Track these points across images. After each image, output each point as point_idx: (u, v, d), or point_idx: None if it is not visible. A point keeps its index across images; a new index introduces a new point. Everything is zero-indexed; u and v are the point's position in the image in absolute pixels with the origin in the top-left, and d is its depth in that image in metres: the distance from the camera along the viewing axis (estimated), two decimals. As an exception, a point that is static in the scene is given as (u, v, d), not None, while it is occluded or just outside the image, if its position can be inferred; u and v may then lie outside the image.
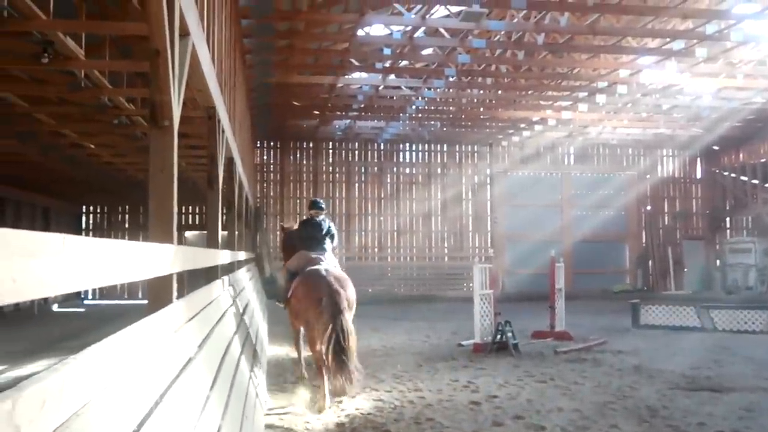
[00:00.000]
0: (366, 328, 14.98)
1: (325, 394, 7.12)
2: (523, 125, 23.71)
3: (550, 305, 13.44)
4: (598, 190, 27.48)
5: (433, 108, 21.56)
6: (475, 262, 12.55)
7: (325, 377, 7.07)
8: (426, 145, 26.94)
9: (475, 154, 27.34)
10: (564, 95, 19.71)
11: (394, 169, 26.87)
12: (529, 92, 19.58)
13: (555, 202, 27.41)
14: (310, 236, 8.10)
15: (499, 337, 11.56)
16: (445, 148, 27.14)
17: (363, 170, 26.64)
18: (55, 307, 21.30)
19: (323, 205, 8.62)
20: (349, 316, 7.17)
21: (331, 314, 6.97)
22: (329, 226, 8.29)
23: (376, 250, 26.39)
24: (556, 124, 23.04)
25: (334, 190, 26.38)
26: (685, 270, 27.35)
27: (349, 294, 7.37)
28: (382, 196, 26.59)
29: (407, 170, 26.97)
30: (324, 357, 6.93)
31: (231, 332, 5.66)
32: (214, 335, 4.35)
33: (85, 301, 23.74)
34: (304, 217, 8.77)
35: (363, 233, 26.32)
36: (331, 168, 26.44)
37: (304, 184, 26.16)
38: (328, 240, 8.15)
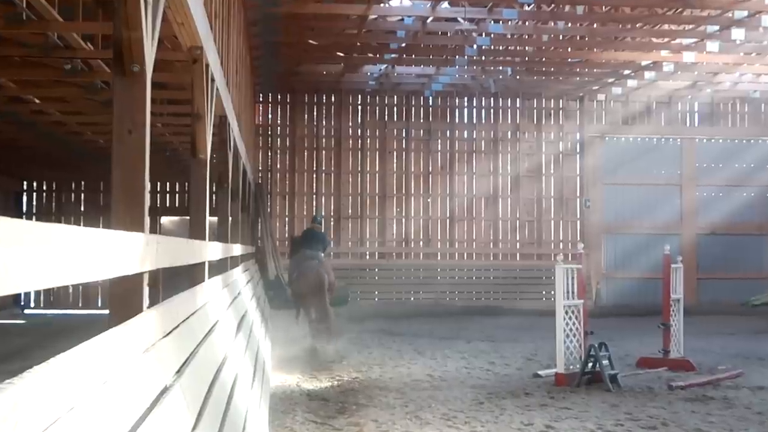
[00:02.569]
0: (408, 350, 15.32)
1: (317, 337, 14.58)
2: (627, 71, 23.52)
3: (663, 322, 13.45)
4: (734, 162, 27.23)
5: (501, 48, 21.53)
6: (559, 261, 12.56)
7: (317, 329, 14.76)
8: (491, 100, 26.92)
9: (560, 111, 27.18)
10: (686, 30, 19.39)
11: (447, 132, 26.84)
12: (637, 26, 19.28)
13: (672, 178, 27.26)
14: (309, 239, 16.10)
15: (590, 365, 11.57)
16: (517, 104, 27.05)
17: (404, 135, 26.68)
18: (-14, 318, 21.66)
19: (320, 220, 17.72)
20: (327, 294, 15.28)
21: (316, 290, 15.01)
22: (324, 236, 16.74)
23: (420, 244, 26.52)
24: (675, 71, 22.84)
25: (363, 161, 26.56)
26: None
27: (331, 278, 15.57)
28: (430, 170, 26.61)
29: (465, 134, 26.91)
30: (314, 316, 14.94)
31: (222, 353, 5.74)
32: (198, 357, 4.39)
33: (26, 311, 24.14)
34: (306, 228, 18.06)
35: (403, 221, 26.51)
36: (359, 131, 26.60)
37: (323, 152, 26.42)
38: (321, 244, 16.12)
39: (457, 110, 27.04)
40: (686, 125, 27.71)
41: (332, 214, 25.78)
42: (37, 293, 23.86)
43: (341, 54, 21.93)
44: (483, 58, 22.04)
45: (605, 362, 11.47)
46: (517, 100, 27.03)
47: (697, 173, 27.38)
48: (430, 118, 26.87)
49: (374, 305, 23.85)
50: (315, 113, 26.42)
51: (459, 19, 18.67)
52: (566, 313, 11.98)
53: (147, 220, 4.20)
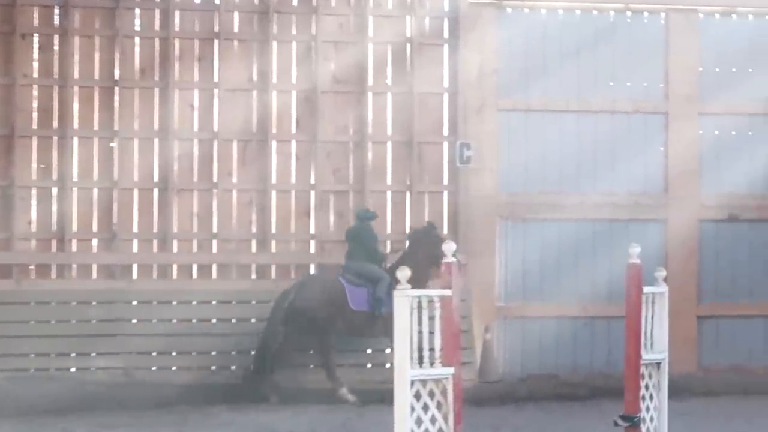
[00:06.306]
0: None
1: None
2: None
3: (624, 414, 12.32)
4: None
5: None
6: (402, 280, 11.00)
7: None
8: None
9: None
10: None
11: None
12: None
13: (650, 99, 23.94)
14: (352, 247, 19.47)
15: None
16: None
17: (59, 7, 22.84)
18: None
19: (372, 216, 19.85)
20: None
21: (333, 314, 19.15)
22: (375, 238, 19.85)
23: (73, 244, 21.52)
24: None
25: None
26: None
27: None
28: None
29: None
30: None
31: None
32: None
33: None
34: (350, 228, 21.15)
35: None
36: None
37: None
38: (368, 253, 19.15)
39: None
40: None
41: None
42: None
43: None
44: None
45: None
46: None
47: (700, 89, 23.37)
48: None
49: None
50: None
51: None
52: (417, 396, 10.98)
53: None
